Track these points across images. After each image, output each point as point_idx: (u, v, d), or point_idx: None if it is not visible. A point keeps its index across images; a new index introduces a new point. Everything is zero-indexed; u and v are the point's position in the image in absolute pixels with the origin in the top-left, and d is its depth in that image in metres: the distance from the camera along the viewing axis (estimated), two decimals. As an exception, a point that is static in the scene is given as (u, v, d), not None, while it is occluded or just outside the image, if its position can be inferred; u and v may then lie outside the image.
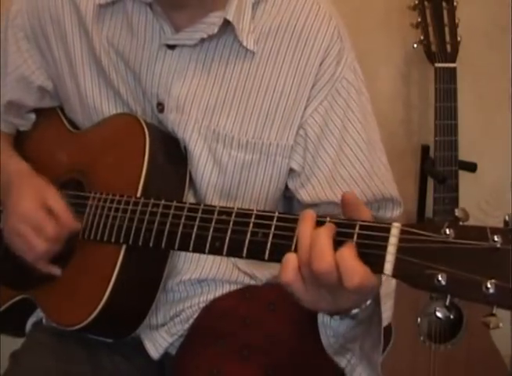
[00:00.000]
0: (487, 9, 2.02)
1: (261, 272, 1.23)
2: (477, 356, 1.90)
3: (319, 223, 0.82)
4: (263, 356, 1.11)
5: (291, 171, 1.17)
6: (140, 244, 1.02)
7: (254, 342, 1.13)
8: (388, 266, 0.76)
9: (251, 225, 0.88)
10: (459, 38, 1.85)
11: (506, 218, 0.73)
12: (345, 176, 1.15)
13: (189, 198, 1.17)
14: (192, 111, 1.14)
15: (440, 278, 0.72)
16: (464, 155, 1.88)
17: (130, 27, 1.16)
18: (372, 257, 0.78)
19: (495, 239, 0.71)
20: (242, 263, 1.21)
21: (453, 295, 0.73)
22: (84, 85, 1.21)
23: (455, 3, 1.85)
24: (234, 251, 0.90)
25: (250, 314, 1.17)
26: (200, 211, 0.95)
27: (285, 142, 1.15)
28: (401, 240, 0.76)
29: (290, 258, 0.82)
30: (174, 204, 0.99)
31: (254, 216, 0.89)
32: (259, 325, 1.15)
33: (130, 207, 1.05)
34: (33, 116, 1.32)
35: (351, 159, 1.15)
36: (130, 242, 1.04)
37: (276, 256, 0.85)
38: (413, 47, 1.88)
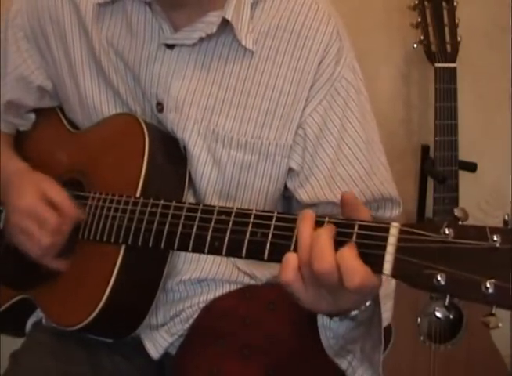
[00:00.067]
0: (487, 9, 2.02)
1: (261, 272, 1.23)
2: (477, 356, 1.90)
3: (319, 223, 0.82)
4: (263, 356, 1.11)
5: (290, 170, 1.17)
6: (139, 244, 1.02)
7: (254, 342, 1.13)
8: (387, 266, 0.76)
9: (250, 225, 0.88)
10: (459, 38, 1.85)
11: (506, 217, 0.73)
12: (344, 176, 1.15)
13: (189, 198, 1.17)
14: (192, 111, 1.14)
15: (439, 278, 0.72)
16: (464, 155, 1.88)
17: (129, 26, 1.16)
18: (371, 257, 0.78)
19: (495, 239, 0.71)
20: (242, 263, 1.21)
21: (452, 295, 0.73)
22: (83, 85, 1.21)
23: (455, 3, 1.85)
24: (233, 251, 0.90)
25: (250, 314, 1.17)
26: (200, 211, 0.95)
27: (284, 141, 1.15)
28: (400, 240, 0.76)
29: (290, 258, 0.81)
30: (174, 204, 0.99)
31: (253, 216, 0.89)
32: (259, 325, 1.15)
33: (129, 207, 1.05)
34: (32, 116, 1.32)
35: (350, 159, 1.15)
36: (129, 242, 1.04)
37: (276, 256, 0.85)
38: (413, 47, 1.88)
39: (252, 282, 1.23)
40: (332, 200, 1.14)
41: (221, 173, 1.16)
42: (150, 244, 1.01)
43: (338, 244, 0.80)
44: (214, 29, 1.10)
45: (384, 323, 0.93)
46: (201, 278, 1.19)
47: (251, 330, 1.15)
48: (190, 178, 1.16)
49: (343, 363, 1.01)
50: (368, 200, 1.16)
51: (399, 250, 0.76)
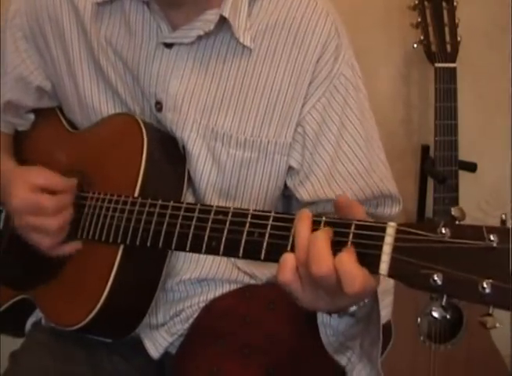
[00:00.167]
0: (487, 9, 2.01)
1: (261, 272, 1.23)
2: (477, 356, 1.90)
3: (316, 223, 0.82)
4: (263, 355, 1.11)
5: (290, 168, 1.17)
6: (138, 243, 1.02)
7: (254, 342, 1.13)
8: (384, 266, 0.76)
9: (247, 224, 0.88)
10: (459, 38, 1.84)
11: (503, 217, 0.73)
12: (344, 174, 1.15)
13: (188, 197, 1.17)
14: (191, 110, 1.14)
15: (436, 278, 0.72)
16: (464, 155, 1.88)
17: (128, 25, 1.16)
18: (367, 257, 0.78)
19: (492, 238, 0.70)
20: (242, 262, 1.21)
21: (449, 295, 0.73)
22: (82, 85, 1.21)
23: (455, 3, 1.85)
24: (230, 251, 0.90)
25: (250, 313, 1.17)
26: (197, 211, 0.95)
27: (283, 139, 1.15)
28: (396, 240, 0.76)
29: (288, 258, 0.81)
30: (172, 203, 0.99)
31: (250, 216, 0.89)
32: (259, 324, 1.15)
33: (128, 207, 1.05)
34: (32, 116, 1.32)
35: (350, 156, 1.15)
36: (127, 242, 1.04)
37: (273, 256, 0.85)
38: (413, 47, 1.88)
39: (252, 281, 1.23)
40: (331, 197, 1.14)
41: (220, 172, 1.16)
42: (148, 244, 1.01)
43: (335, 244, 0.80)
44: (212, 27, 1.10)
45: (384, 320, 0.93)
46: (201, 278, 1.19)
47: (251, 329, 1.14)
48: (190, 178, 1.16)
49: (342, 360, 1.01)
50: (367, 198, 1.16)
51: (396, 250, 0.76)
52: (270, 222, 0.86)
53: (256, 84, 1.13)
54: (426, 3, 1.85)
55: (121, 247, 1.06)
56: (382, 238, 0.77)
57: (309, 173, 1.16)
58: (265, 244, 0.86)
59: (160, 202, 1.01)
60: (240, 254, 0.88)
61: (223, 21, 1.10)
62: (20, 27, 1.25)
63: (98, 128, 1.20)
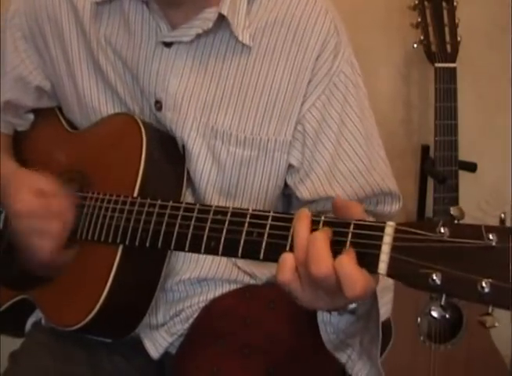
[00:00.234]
0: (487, 9, 2.01)
1: (261, 271, 1.23)
2: (477, 356, 1.90)
3: (315, 223, 0.82)
4: (263, 355, 1.11)
5: (290, 167, 1.17)
6: (137, 244, 1.02)
7: (254, 341, 1.13)
8: (383, 266, 0.76)
9: (246, 224, 0.88)
10: (459, 38, 1.84)
11: (502, 216, 0.73)
12: (344, 172, 1.15)
13: (188, 197, 1.17)
14: (190, 109, 1.14)
15: (435, 277, 0.72)
16: (464, 155, 1.88)
17: (127, 25, 1.16)
18: (366, 256, 0.78)
19: (491, 237, 0.70)
20: (241, 262, 1.21)
21: (448, 294, 0.73)
22: (81, 84, 1.21)
23: (455, 3, 1.85)
24: (229, 251, 0.90)
25: (251, 313, 1.17)
26: (196, 211, 0.95)
27: (283, 137, 1.15)
28: (395, 239, 0.76)
29: (287, 258, 0.81)
30: (171, 204, 0.99)
31: (249, 216, 0.89)
32: (259, 324, 1.15)
33: (127, 207, 1.05)
34: (31, 116, 1.32)
35: (350, 154, 1.15)
36: (127, 242, 1.04)
37: (272, 256, 0.85)
38: (413, 47, 1.88)
39: (252, 281, 1.22)
40: (332, 195, 1.14)
41: (220, 171, 1.16)
42: (147, 244, 1.01)
43: (334, 243, 0.80)
44: (211, 25, 1.10)
45: (384, 317, 0.93)
46: (201, 277, 1.18)
47: (251, 329, 1.14)
48: (189, 177, 1.16)
49: (342, 357, 1.01)
50: (367, 195, 1.16)
51: (395, 249, 0.76)
52: (269, 221, 0.86)
53: (255, 83, 1.13)
54: (426, 3, 1.85)
55: (120, 247, 1.06)
56: (381, 238, 0.77)
57: (309, 171, 1.16)
58: (263, 243, 0.86)
59: (159, 202, 1.01)
60: (239, 254, 0.88)
61: (222, 19, 1.10)
62: (19, 27, 1.25)
63: (97, 128, 1.20)
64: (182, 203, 0.99)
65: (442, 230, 0.73)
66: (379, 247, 0.77)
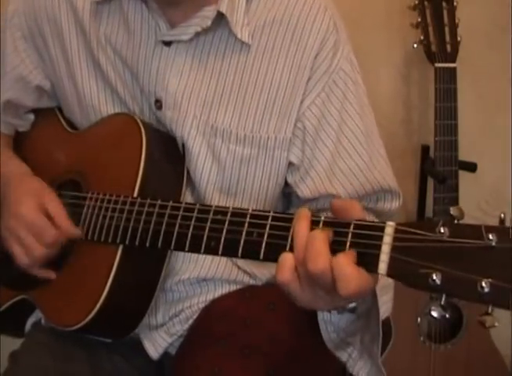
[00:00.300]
0: (487, 9, 2.01)
1: (261, 272, 1.22)
2: (477, 356, 1.90)
3: (314, 223, 0.82)
4: (264, 356, 1.11)
5: (290, 165, 1.17)
6: (137, 244, 1.02)
7: (254, 342, 1.12)
8: (383, 266, 0.76)
9: (246, 224, 0.88)
10: (459, 38, 1.84)
11: (502, 216, 0.73)
12: (344, 169, 1.15)
13: (188, 196, 1.17)
14: (190, 107, 1.14)
15: (435, 277, 0.72)
16: (464, 155, 1.88)
17: (126, 24, 1.16)
18: (366, 256, 0.78)
19: (490, 237, 0.70)
20: (241, 262, 1.20)
21: (448, 294, 0.73)
22: (81, 84, 1.21)
23: (455, 3, 1.85)
24: (229, 251, 0.90)
25: (250, 314, 1.17)
26: (196, 211, 0.95)
27: (283, 135, 1.15)
28: (395, 239, 0.76)
29: (287, 258, 0.81)
30: (171, 204, 0.99)
31: (249, 216, 0.89)
32: (259, 325, 1.15)
33: (127, 207, 1.05)
34: (31, 116, 1.32)
35: (350, 152, 1.15)
36: (127, 242, 1.04)
37: (271, 256, 0.85)
38: (413, 47, 1.88)
39: (252, 281, 1.22)
40: (332, 193, 1.14)
41: (220, 169, 1.16)
42: (147, 244, 1.01)
43: (334, 243, 0.80)
44: (209, 23, 1.10)
45: (385, 315, 0.93)
46: (200, 277, 1.18)
47: (251, 330, 1.14)
48: (190, 177, 1.16)
49: (343, 356, 1.01)
50: (367, 193, 1.16)
51: (395, 249, 0.76)
52: (269, 221, 0.86)
53: (255, 80, 1.13)
54: (426, 3, 1.85)
55: (120, 247, 1.06)
56: (381, 238, 0.77)
57: (309, 168, 1.16)
58: (263, 243, 0.86)
59: (159, 202, 1.01)
60: (239, 254, 0.88)
61: (221, 17, 1.10)
62: (19, 27, 1.25)
63: (97, 128, 1.20)
64: (181, 203, 0.99)
65: (442, 230, 0.73)
66: (379, 247, 0.77)
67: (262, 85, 1.13)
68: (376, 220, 1.11)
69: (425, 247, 0.74)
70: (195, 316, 1.20)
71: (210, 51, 1.13)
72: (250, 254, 0.87)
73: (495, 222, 0.73)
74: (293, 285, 0.82)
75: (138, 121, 1.13)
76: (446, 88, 1.83)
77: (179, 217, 0.97)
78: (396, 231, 0.77)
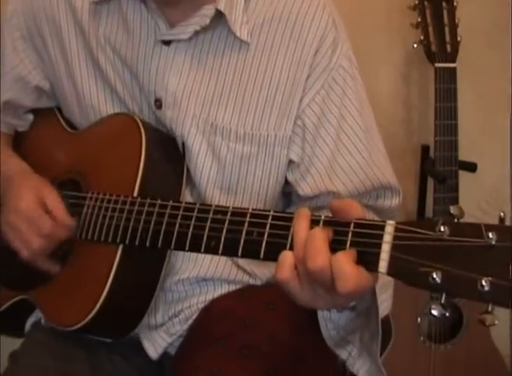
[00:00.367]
0: (487, 9, 2.01)
1: (261, 271, 1.22)
2: (477, 356, 1.90)
3: (314, 222, 0.82)
4: (263, 356, 1.11)
5: (291, 162, 1.17)
6: (137, 243, 1.02)
7: (254, 342, 1.12)
8: (383, 264, 0.76)
9: (246, 224, 0.88)
10: (459, 38, 1.84)
11: (501, 215, 0.73)
12: (344, 166, 1.15)
13: (188, 195, 1.17)
14: (190, 106, 1.14)
15: (435, 276, 0.72)
16: (464, 155, 1.88)
17: (125, 24, 1.16)
18: (366, 255, 0.78)
19: (490, 236, 0.71)
20: (242, 260, 1.20)
21: (448, 293, 0.73)
22: (81, 84, 1.21)
23: (455, 3, 1.85)
24: (229, 251, 0.90)
25: (250, 314, 1.17)
26: (196, 211, 0.95)
27: (283, 132, 1.15)
28: (395, 238, 0.76)
29: (287, 256, 0.82)
30: (171, 203, 0.99)
31: (249, 215, 0.89)
32: (259, 325, 1.15)
33: (127, 207, 1.05)
34: (30, 116, 1.32)
35: (350, 148, 1.15)
36: (127, 242, 1.04)
37: (272, 255, 0.85)
38: (413, 47, 1.88)
39: (252, 280, 1.22)
40: (332, 190, 1.14)
41: (221, 168, 1.16)
42: (148, 244, 1.01)
43: (334, 242, 0.80)
44: (208, 21, 1.10)
45: (385, 312, 0.94)
46: (200, 277, 1.18)
47: (251, 330, 1.14)
48: (190, 175, 1.16)
49: (343, 354, 1.01)
50: (367, 190, 1.16)
51: (395, 248, 0.76)
52: (269, 221, 0.86)
53: (254, 78, 1.13)
54: (426, 3, 1.85)
55: (120, 247, 1.06)
56: (381, 236, 0.77)
57: (310, 166, 1.16)
58: (264, 243, 0.86)
59: (159, 202, 1.01)
60: (239, 254, 0.88)
61: (220, 16, 1.10)
62: (18, 27, 1.25)
63: (96, 128, 1.20)
64: (181, 202, 0.99)
65: (442, 229, 0.73)
66: (379, 246, 0.77)
67: (262, 83, 1.13)
68: (376, 217, 1.12)
69: (425, 246, 0.74)
70: (194, 316, 1.20)
71: (209, 49, 1.13)
72: (251, 253, 0.87)
73: (495, 222, 0.73)
74: (292, 283, 0.82)
75: (138, 120, 1.13)
76: (446, 88, 1.83)
77: (179, 216, 0.97)
78: (396, 230, 0.77)
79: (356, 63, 1.17)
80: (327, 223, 0.82)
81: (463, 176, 1.88)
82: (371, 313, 0.94)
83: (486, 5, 2.01)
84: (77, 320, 1.07)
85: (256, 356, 1.11)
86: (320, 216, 0.83)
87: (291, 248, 0.82)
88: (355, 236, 0.79)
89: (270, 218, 0.87)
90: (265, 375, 1.09)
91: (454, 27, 1.85)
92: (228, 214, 0.91)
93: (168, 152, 1.14)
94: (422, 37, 1.86)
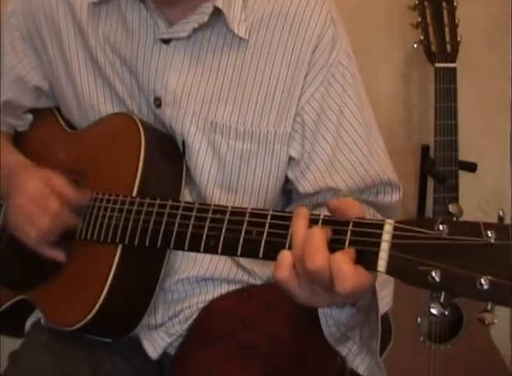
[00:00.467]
0: (487, 9, 2.01)
1: (261, 270, 1.22)
2: (477, 356, 1.90)
3: (313, 221, 0.82)
4: (262, 357, 1.11)
5: (291, 159, 1.17)
6: (136, 243, 1.02)
7: (253, 343, 1.12)
8: (382, 263, 0.76)
9: (245, 223, 0.88)
10: (459, 38, 1.84)
11: (500, 213, 0.73)
12: (344, 163, 1.15)
13: (187, 194, 1.17)
14: (190, 104, 1.14)
15: (434, 275, 0.72)
16: (464, 155, 1.88)
17: (124, 24, 1.16)
18: (365, 254, 0.78)
19: (489, 234, 0.70)
20: (242, 259, 1.20)
21: (448, 292, 0.73)
22: (80, 84, 1.21)
23: (455, 3, 1.85)
24: (229, 250, 0.90)
25: (250, 314, 1.17)
26: (195, 210, 0.95)
27: (283, 129, 1.15)
28: (394, 237, 0.76)
29: (285, 256, 0.82)
30: (170, 203, 0.99)
31: (248, 214, 0.89)
32: (258, 325, 1.15)
33: (126, 206, 1.05)
34: (30, 116, 1.32)
35: (350, 145, 1.15)
36: (126, 242, 1.04)
37: (271, 254, 0.84)
38: (413, 47, 1.88)
39: (251, 280, 1.22)
40: (332, 186, 1.14)
41: (221, 165, 1.16)
42: (147, 244, 1.01)
43: (333, 242, 0.80)
44: (206, 18, 1.10)
45: (385, 308, 0.94)
46: (199, 276, 1.18)
47: (250, 330, 1.14)
48: (190, 174, 1.16)
49: (343, 350, 1.01)
50: (368, 186, 1.16)
51: (394, 247, 0.76)
52: (268, 220, 0.86)
53: (254, 76, 1.13)
54: (426, 3, 1.85)
55: (120, 246, 1.06)
56: (380, 235, 0.77)
57: (310, 163, 1.16)
58: (263, 242, 0.86)
59: (158, 201, 1.01)
60: (239, 253, 0.88)
61: (218, 13, 1.10)
62: (17, 27, 1.25)
63: (96, 128, 1.20)
64: (181, 202, 0.99)
65: (441, 228, 0.73)
66: (378, 245, 0.77)
67: (261, 80, 1.13)
68: (377, 213, 1.12)
69: (424, 245, 0.74)
70: (194, 316, 1.20)
71: (208, 47, 1.14)
72: (250, 252, 0.87)
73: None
74: (291, 283, 0.82)
75: (137, 120, 1.13)
76: (446, 88, 1.83)
77: (178, 216, 0.97)
78: (395, 229, 0.77)
79: (355, 60, 1.17)
80: (326, 222, 0.82)
81: (463, 176, 1.87)
82: (371, 310, 0.94)
83: (486, 5, 2.01)
84: (77, 320, 1.07)
85: (255, 356, 1.11)
86: (319, 215, 0.83)
87: (290, 247, 0.82)
88: (353, 236, 0.79)
89: (269, 217, 0.86)
90: (264, 375, 1.09)
91: (454, 27, 1.85)
92: (228, 213, 0.91)
93: (167, 152, 1.14)
94: (422, 37, 1.86)
